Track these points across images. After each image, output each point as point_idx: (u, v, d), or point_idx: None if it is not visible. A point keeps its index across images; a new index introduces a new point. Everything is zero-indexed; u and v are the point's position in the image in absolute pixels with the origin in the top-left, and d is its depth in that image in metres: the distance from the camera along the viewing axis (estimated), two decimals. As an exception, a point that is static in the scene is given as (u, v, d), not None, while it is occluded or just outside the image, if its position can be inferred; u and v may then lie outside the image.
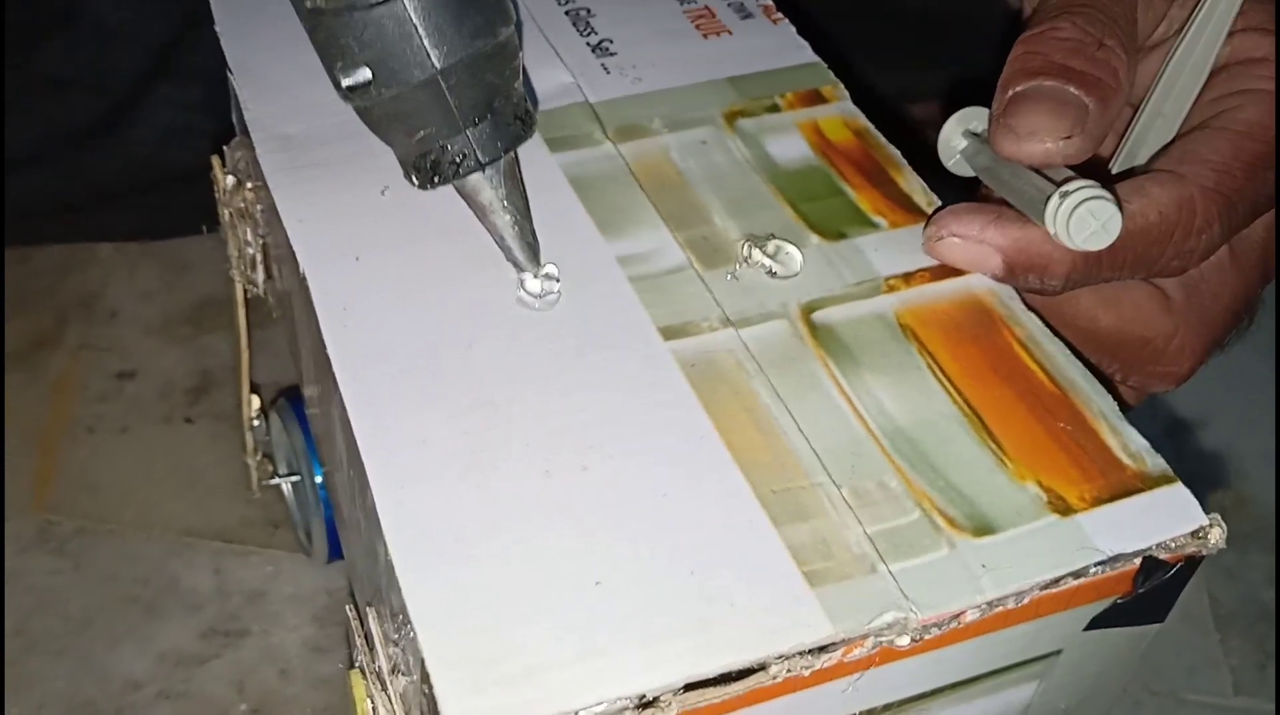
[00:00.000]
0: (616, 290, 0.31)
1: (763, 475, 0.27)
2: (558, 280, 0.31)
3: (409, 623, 0.24)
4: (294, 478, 0.48)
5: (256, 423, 0.48)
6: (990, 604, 0.25)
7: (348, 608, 0.29)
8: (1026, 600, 0.25)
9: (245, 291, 0.44)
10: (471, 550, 0.25)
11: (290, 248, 0.32)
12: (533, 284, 0.31)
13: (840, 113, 0.37)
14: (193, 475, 0.53)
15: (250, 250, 0.41)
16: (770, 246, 0.32)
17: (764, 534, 0.26)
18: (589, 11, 0.40)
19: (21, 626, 0.47)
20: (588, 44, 0.39)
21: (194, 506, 0.52)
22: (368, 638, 0.28)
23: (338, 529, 0.42)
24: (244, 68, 0.38)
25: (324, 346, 0.29)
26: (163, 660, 0.47)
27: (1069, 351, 0.30)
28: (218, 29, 0.39)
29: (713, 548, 0.26)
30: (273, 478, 0.49)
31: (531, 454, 0.27)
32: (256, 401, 0.48)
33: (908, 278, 0.32)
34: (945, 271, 0.32)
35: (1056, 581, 0.26)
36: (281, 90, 0.37)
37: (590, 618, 0.24)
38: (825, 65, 0.38)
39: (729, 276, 0.32)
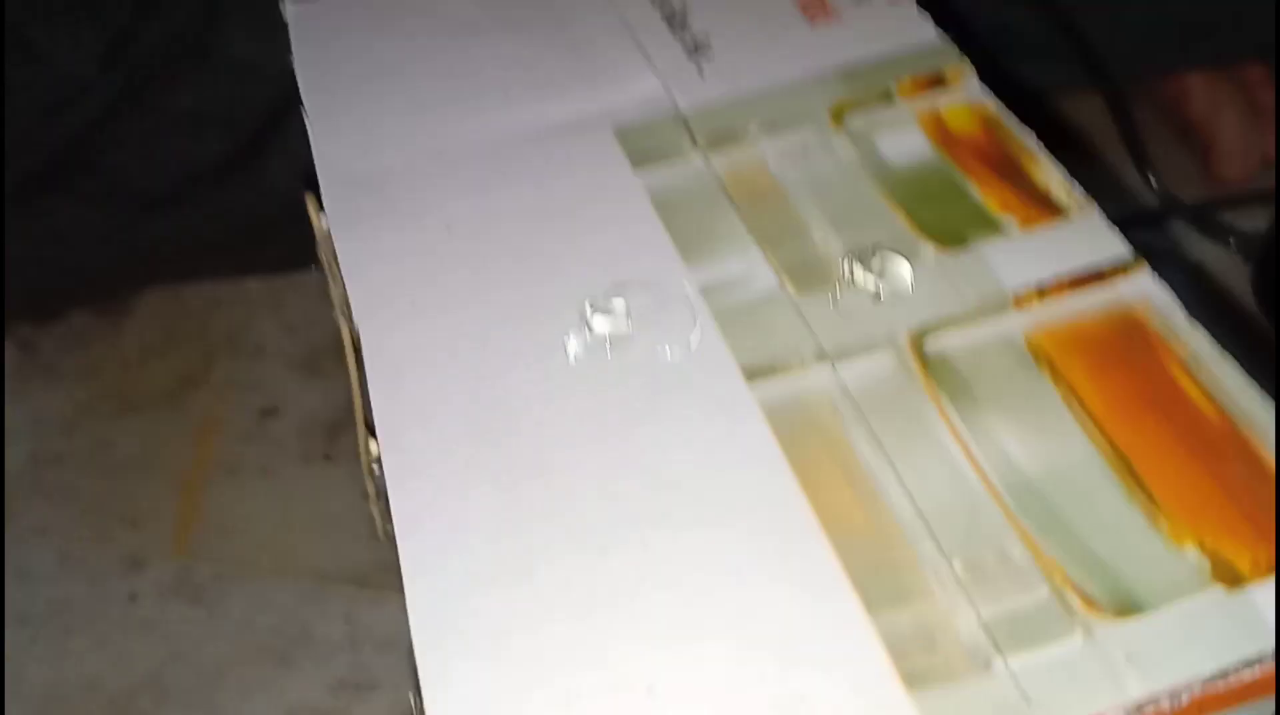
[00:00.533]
0: (696, 325, 0.27)
1: (856, 546, 0.23)
2: (629, 318, 0.27)
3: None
4: (419, 521, 0.46)
5: (377, 469, 0.46)
6: (1138, 707, 0.20)
7: (410, 695, 0.26)
8: (1185, 700, 0.20)
9: (353, 334, 0.42)
10: (505, 649, 0.22)
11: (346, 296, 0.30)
12: (600, 324, 0.27)
13: (965, 98, 0.32)
14: (329, 517, 0.52)
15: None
16: (875, 262, 0.28)
17: (854, 622, 0.22)
18: (685, 6, 0.36)
19: (155, 677, 0.47)
20: (681, 43, 0.35)
21: (329, 549, 0.51)
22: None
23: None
24: (318, 102, 0.35)
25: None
26: (293, 715, 0.46)
27: (1243, 373, 0.25)
28: (294, 60, 0.37)
29: (791, 642, 0.21)
30: (397, 522, 0.47)
31: (586, 528, 0.23)
32: (375, 446, 0.46)
33: (1041, 291, 0.27)
34: (1088, 279, 0.27)
35: (1223, 674, 0.20)
36: (353, 126, 0.34)
37: (638, 734, 0.20)
38: (952, 42, 0.33)
39: (828, 301, 0.27)
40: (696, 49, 0.35)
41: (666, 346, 0.27)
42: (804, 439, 0.25)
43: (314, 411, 0.57)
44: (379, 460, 0.46)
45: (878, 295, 0.27)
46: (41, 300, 0.64)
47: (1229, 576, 0.21)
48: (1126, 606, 0.21)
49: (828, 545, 0.23)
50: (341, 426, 0.56)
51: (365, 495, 0.49)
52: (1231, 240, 0.57)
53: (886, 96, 0.32)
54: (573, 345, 0.27)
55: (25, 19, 0.54)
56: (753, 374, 0.26)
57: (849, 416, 0.25)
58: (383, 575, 0.49)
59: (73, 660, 0.50)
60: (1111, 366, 0.25)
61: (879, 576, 0.22)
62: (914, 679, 0.21)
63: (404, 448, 0.26)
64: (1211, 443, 0.24)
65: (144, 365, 0.61)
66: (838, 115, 0.32)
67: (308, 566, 0.50)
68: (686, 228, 0.30)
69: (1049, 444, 0.24)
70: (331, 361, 0.59)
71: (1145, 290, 0.27)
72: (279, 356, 0.60)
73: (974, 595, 0.22)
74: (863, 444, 0.24)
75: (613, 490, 0.24)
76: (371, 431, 0.46)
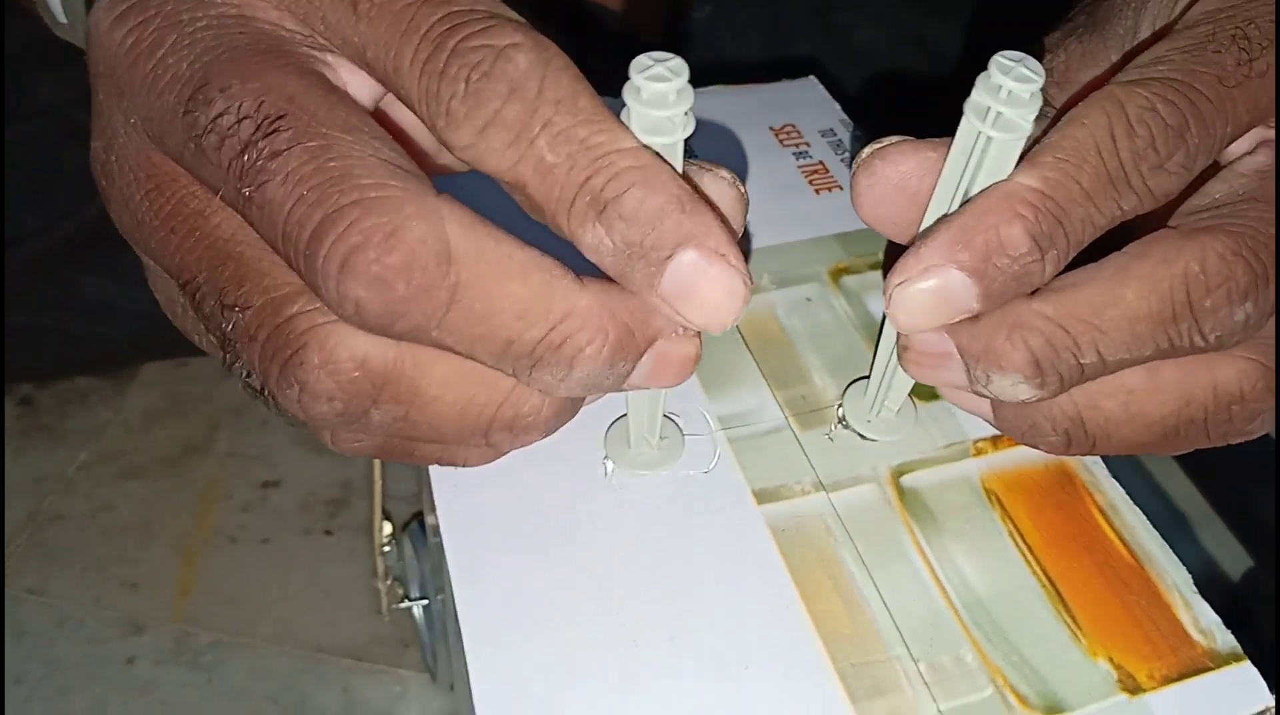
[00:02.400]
0: (716, 453, 0.35)
1: (843, 648, 0.30)
2: (661, 444, 0.35)
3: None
4: (424, 601, 0.53)
5: (388, 549, 0.53)
6: (1055, 783, 0.28)
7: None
8: (1093, 781, 0.28)
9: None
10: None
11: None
12: (639, 449, 0.35)
13: (943, 269, 0.40)
14: (328, 589, 0.59)
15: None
16: (865, 410, 0.36)
17: (840, 710, 0.29)
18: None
19: (158, 741, 0.53)
20: (703, 197, 0.43)
21: (327, 621, 0.57)
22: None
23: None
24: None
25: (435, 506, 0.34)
26: (292, 778, 0.52)
27: (1147, 522, 0.33)
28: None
29: (788, 722, 0.29)
30: (403, 601, 0.54)
31: (622, 623, 0.31)
32: (389, 528, 0.53)
33: (995, 440, 0.35)
34: (1035, 436, 0.35)
35: (1123, 763, 0.28)
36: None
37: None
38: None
39: (825, 436, 0.35)
40: (716, 204, 0.43)
41: (690, 470, 0.34)
42: (802, 554, 0.32)
43: (315, 487, 0.64)
44: (390, 540, 0.53)
45: (864, 435, 0.35)
46: (44, 363, 0.71)
47: (1131, 686, 0.29)
48: (1052, 706, 0.29)
49: (821, 646, 0.30)
50: (342, 503, 0.63)
51: (373, 573, 0.56)
52: None
53: (876, 264, 0.40)
54: (610, 465, 0.35)
55: (73, 99, 0.61)
56: (761, 497, 0.34)
57: (839, 537, 0.33)
58: (379, 649, 0.56)
59: (68, 719, 0.56)
60: (1048, 507, 0.33)
61: (860, 673, 0.30)
62: (885, 753, 0.28)
63: (466, 540, 0.33)
64: (1122, 576, 0.32)
65: (147, 431, 0.68)
66: (836, 276, 0.40)
67: (306, 637, 0.57)
68: (709, 365, 0.37)
69: (997, 570, 0.32)
70: (331, 440, 0.66)
71: (1082, 447, 0.35)
72: (282, 430, 0.67)
73: (935, 691, 0.30)
74: (850, 561, 0.32)
75: (646, 592, 0.32)
76: (386, 515, 0.54)
